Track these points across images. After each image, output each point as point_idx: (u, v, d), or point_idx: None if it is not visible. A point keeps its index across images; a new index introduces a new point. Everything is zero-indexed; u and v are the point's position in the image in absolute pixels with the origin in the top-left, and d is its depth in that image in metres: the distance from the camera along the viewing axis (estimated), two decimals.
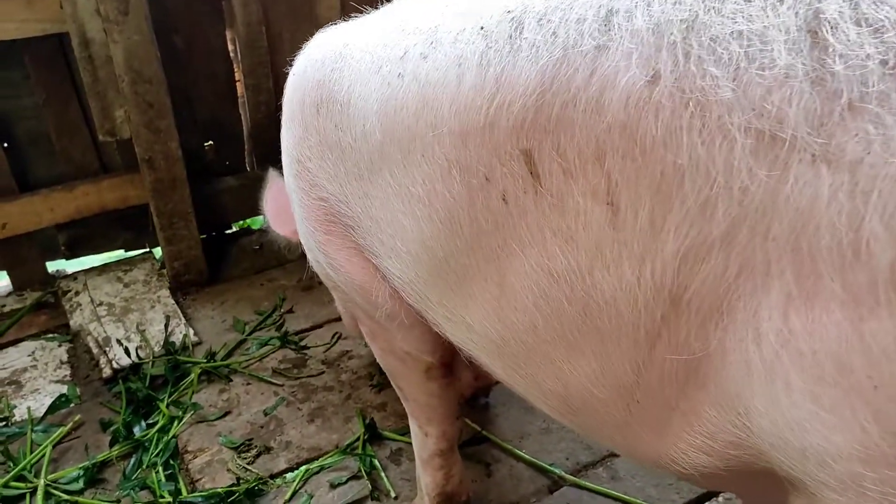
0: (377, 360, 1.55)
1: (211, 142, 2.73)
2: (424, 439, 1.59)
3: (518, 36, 0.83)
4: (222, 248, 2.80)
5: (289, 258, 2.70)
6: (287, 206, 1.78)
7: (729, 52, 0.67)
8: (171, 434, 1.98)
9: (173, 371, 2.19)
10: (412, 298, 1.14)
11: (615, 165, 0.74)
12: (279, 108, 1.34)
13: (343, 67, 1.10)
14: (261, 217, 2.97)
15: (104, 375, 2.20)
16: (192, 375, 2.18)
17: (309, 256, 1.46)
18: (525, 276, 0.88)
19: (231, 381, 2.19)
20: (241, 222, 3.02)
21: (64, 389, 2.16)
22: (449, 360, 1.44)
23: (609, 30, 0.75)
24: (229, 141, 2.76)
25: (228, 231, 2.92)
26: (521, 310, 0.91)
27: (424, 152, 0.93)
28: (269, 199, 1.81)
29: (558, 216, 0.81)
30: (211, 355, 2.27)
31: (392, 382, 1.58)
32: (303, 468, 1.89)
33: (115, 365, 2.21)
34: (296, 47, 1.29)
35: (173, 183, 2.43)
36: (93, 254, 2.70)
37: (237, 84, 2.68)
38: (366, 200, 1.11)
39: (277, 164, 1.52)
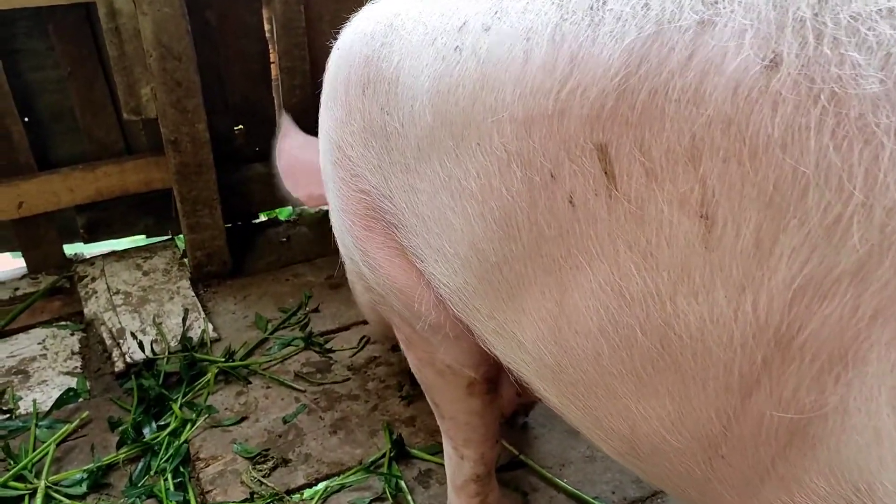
0: (412, 371, 1.40)
1: (241, 126, 2.59)
2: (460, 462, 1.45)
3: (601, 6, 0.69)
4: (247, 238, 2.66)
5: (316, 254, 2.56)
6: (304, 163, 1.65)
7: (876, 34, 0.54)
8: (182, 438, 1.84)
9: (189, 369, 2.04)
10: (459, 309, 1.01)
11: (714, 169, 0.61)
12: (315, 93, 1.24)
13: (393, 41, 0.98)
14: (289, 207, 2.86)
15: (116, 370, 2.06)
16: (209, 375, 2.03)
17: (342, 252, 1.33)
18: (590, 295, 0.75)
19: (250, 383, 2.04)
20: (269, 212, 2.88)
21: (73, 382, 2.03)
22: (494, 375, 1.31)
23: (716, 2, 0.61)
24: (260, 126, 2.61)
25: (255, 221, 2.78)
26: (584, 334, 0.78)
27: (481, 140, 0.80)
28: (284, 151, 1.68)
29: (636, 227, 0.68)
30: (230, 354, 2.13)
31: (427, 396, 1.43)
32: (322, 485, 1.73)
33: (128, 359, 2.07)
34: (336, 29, 1.18)
35: (199, 167, 2.28)
36: (112, 238, 2.58)
37: (271, 66, 2.54)
38: (411, 195, 0.99)
39: None
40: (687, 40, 0.62)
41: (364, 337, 2.20)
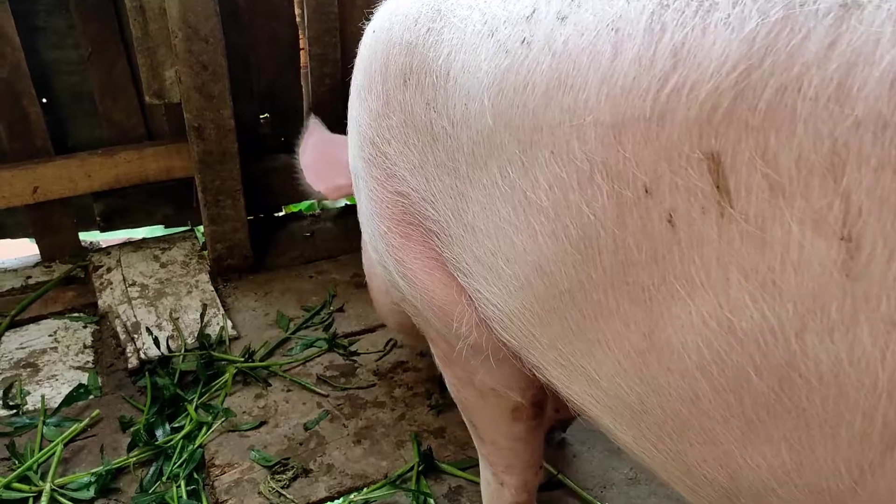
0: (449, 391, 1.28)
1: (267, 114, 2.48)
2: (500, 490, 1.33)
3: None
4: (270, 232, 2.55)
5: (341, 250, 2.45)
6: (327, 156, 1.61)
7: None
8: (197, 443, 1.73)
9: (206, 368, 1.94)
10: (511, 334, 0.89)
11: (861, 182, 0.51)
12: (345, 83, 1.13)
13: (442, 28, 0.86)
14: (313, 201, 2.75)
15: (130, 366, 1.96)
16: (227, 375, 1.92)
17: (374, 257, 1.21)
18: (690, 330, 0.64)
19: (270, 385, 1.93)
20: (293, 205, 2.77)
21: (84, 378, 1.92)
22: (542, 398, 1.18)
23: None
24: (287, 115, 2.50)
25: (277, 214, 2.67)
26: (679, 373, 0.67)
27: (556, 148, 0.69)
28: (309, 146, 1.63)
29: (755, 251, 0.57)
30: (249, 354, 2.02)
31: (464, 416, 1.31)
32: (345, 499, 1.61)
33: (142, 355, 1.97)
34: (370, 15, 1.06)
35: (223, 156, 2.18)
36: (130, 228, 2.47)
37: (301, 52, 2.43)
38: (460, 203, 0.87)
39: None
40: (826, 26, 0.51)
41: (391, 340, 2.08)
